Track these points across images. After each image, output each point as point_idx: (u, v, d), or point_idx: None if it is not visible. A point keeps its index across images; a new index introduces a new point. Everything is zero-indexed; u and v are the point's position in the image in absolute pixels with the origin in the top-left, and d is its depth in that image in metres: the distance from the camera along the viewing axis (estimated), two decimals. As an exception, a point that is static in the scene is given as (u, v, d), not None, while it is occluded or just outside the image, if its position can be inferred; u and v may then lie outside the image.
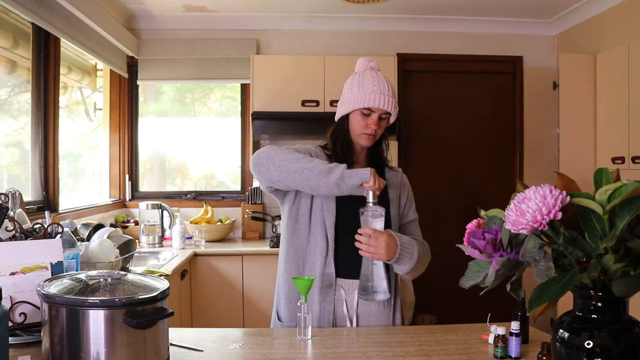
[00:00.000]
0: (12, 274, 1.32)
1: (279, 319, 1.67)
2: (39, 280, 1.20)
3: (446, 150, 4.05)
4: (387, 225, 1.67)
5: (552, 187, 0.79)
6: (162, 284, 1.17)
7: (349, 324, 1.59)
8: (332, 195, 1.53)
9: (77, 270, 1.54)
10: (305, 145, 1.70)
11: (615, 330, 0.82)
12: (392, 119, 1.65)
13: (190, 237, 3.53)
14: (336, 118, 1.70)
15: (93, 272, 1.19)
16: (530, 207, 0.77)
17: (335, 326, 1.58)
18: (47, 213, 2.41)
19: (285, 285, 1.67)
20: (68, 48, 3.21)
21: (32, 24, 2.70)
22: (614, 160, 3.11)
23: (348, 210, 1.57)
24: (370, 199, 1.47)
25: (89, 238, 2.29)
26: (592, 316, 0.84)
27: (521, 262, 0.86)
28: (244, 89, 4.03)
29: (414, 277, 1.65)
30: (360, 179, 1.44)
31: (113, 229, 2.45)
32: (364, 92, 1.59)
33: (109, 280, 1.13)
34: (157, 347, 1.13)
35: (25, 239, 1.49)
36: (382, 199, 1.66)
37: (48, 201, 2.88)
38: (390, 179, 1.71)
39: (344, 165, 1.47)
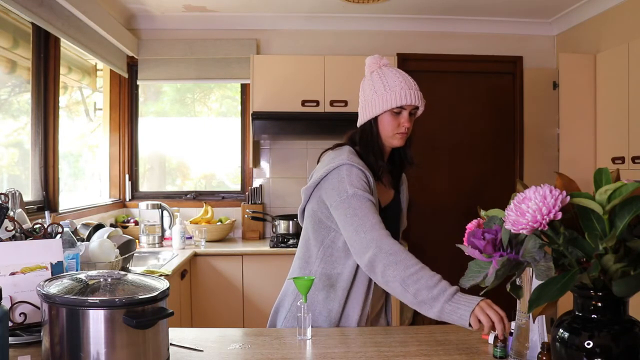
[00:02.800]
0: (12, 274, 1.32)
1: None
2: (39, 280, 1.20)
3: (446, 150, 4.05)
4: (397, 236, 1.68)
5: (552, 187, 0.79)
6: (162, 284, 1.17)
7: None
8: None
9: (77, 270, 1.54)
10: (351, 175, 1.49)
11: (615, 330, 0.82)
12: (419, 113, 1.59)
13: (190, 237, 3.53)
14: (360, 123, 1.62)
15: (93, 272, 1.19)
16: (530, 207, 0.77)
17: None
18: (47, 213, 2.41)
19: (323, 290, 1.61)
20: (68, 48, 3.21)
21: (32, 24, 2.70)
22: (614, 160, 3.11)
23: (388, 226, 1.54)
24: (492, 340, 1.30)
25: (89, 238, 2.29)
26: (592, 316, 0.84)
27: (521, 262, 0.86)
28: (244, 89, 4.03)
29: None
30: (458, 322, 1.28)
31: (113, 229, 2.45)
32: (391, 91, 1.52)
33: (109, 280, 1.13)
34: (157, 347, 1.13)
35: (25, 239, 1.49)
36: (398, 209, 1.66)
37: (48, 201, 2.88)
38: (402, 189, 1.71)
39: (445, 298, 1.29)
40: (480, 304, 1.27)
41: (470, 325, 1.27)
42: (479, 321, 1.25)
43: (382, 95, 1.53)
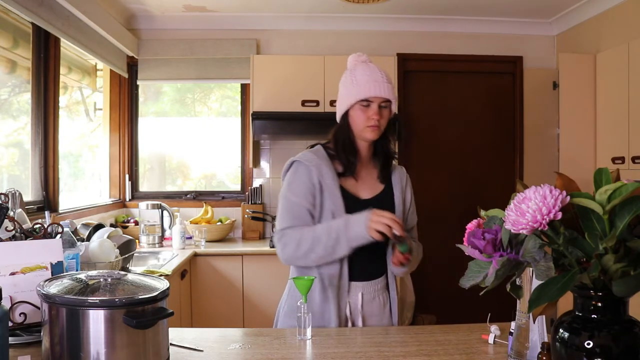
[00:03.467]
0: (12, 274, 1.32)
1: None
2: (39, 280, 1.20)
3: (446, 150, 4.05)
4: None
5: (552, 187, 0.79)
6: (162, 284, 1.17)
7: (350, 325, 1.59)
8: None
9: (77, 270, 1.54)
10: (297, 184, 1.59)
11: (615, 330, 0.82)
12: (393, 108, 1.62)
13: (190, 237, 3.53)
14: (337, 119, 1.67)
15: (93, 272, 1.19)
16: (530, 207, 0.77)
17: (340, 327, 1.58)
18: (47, 213, 2.40)
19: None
20: (68, 48, 3.21)
21: (32, 24, 2.70)
22: (614, 160, 3.11)
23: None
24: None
25: (89, 238, 2.29)
26: (592, 316, 0.84)
27: (521, 262, 0.86)
28: (244, 89, 4.03)
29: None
30: (363, 240, 1.46)
31: (113, 229, 2.45)
32: (357, 85, 1.57)
33: (109, 280, 1.13)
34: (157, 347, 1.13)
35: (25, 239, 1.49)
36: (388, 203, 1.65)
37: (48, 201, 2.87)
38: (395, 183, 1.69)
39: (343, 232, 1.47)
40: (370, 218, 1.44)
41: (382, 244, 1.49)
42: (380, 232, 1.43)
43: (349, 89, 1.60)
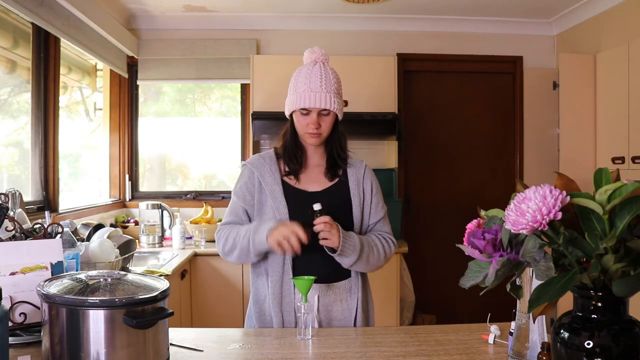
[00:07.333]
0: (12, 274, 1.32)
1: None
2: (39, 280, 1.20)
3: (446, 150, 4.05)
4: (350, 225, 1.64)
5: (552, 187, 0.79)
6: (162, 284, 1.17)
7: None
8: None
9: (77, 270, 1.54)
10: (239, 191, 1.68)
11: (615, 330, 0.82)
12: (339, 114, 1.63)
13: (190, 237, 3.53)
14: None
15: (93, 272, 1.19)
16: (530, 207, 0.77)
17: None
18: (47, 213, 2.40)
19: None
20: (68, 48, 3.21)
21: (32, 24, 2.70)
22: (614, 160, 3.11)
23: (300, 214, 1.55)
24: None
25: (89, 238, 2.29)
26: (592, 316, 0.84)
27: (521, 262, 0.86)
28: (244, 89, 4.03)
29: (370, 271, 1.66)
30: (265, 247, 1.49)
31: (113, 229, 2.45)
32: (296, 93, 1.59)
33: (109, 280, 1.13)
34: (157, 347, 1.13)
35: (25, 239, 1.49)
36: (344, 200, 1.65)
37: (48, 201, 2.87)
38: (350, 176, 1.67)
39: (252, 234, 1.52)
40: (277, 228, 1.46)
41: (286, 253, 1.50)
42: (280, 245, 1.45)
43: (290, 95, 1.63)
